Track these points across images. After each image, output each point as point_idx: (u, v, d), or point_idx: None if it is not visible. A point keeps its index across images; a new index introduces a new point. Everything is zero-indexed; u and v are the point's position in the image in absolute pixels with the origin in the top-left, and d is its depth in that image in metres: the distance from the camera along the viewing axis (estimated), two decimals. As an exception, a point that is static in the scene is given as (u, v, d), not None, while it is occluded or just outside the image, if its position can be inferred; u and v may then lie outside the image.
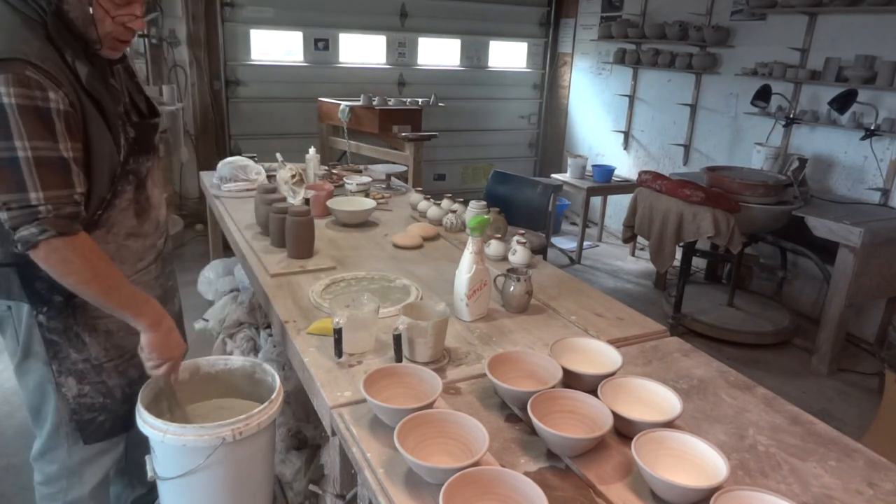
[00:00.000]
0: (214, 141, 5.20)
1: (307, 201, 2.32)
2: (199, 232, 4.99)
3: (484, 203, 2.41)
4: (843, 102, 3.55)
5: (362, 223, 2.51)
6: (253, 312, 2.70)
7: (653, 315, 1.89)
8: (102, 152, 1.39)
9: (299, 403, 2.16)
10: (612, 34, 5.43)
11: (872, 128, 3.58)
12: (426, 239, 2.33)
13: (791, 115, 4.06)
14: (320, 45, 5.42)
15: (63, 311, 1.45)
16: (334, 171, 3.27)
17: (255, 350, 2.56)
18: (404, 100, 5.33)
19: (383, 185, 3.14)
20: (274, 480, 1.78)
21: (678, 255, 3.84)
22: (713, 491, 0.96)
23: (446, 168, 6.26)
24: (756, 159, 4.08)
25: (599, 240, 5.68)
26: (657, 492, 1.03)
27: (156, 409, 1.50)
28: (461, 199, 2.58)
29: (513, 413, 1.29)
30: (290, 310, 1.71)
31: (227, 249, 3.00)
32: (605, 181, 5.08)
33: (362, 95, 4.98)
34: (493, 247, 2.15)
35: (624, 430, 1.19)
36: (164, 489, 1.51)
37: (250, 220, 2.41)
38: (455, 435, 1.13)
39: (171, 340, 1.47)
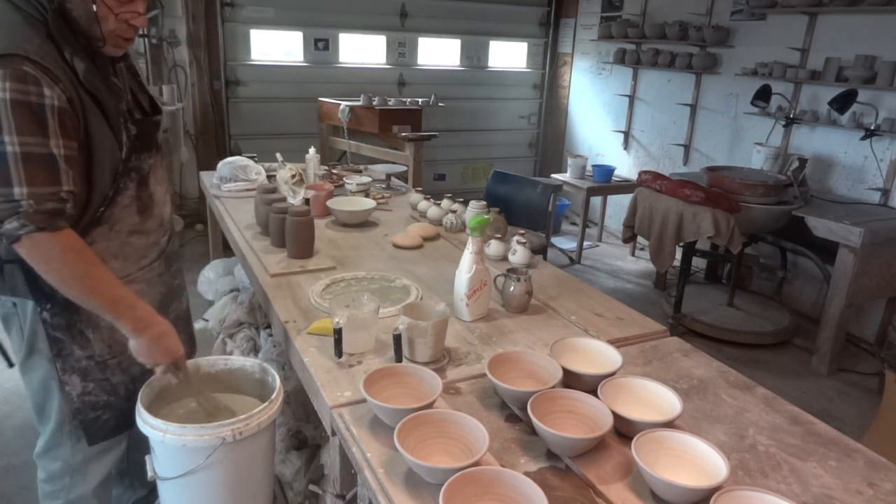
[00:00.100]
0: (214, 141, 5.20)
1: (307, 201, 2.32)
2: (199, 232, 4.99)
3: (484, 203, 2.41)
4: (843, 102, 3.55)
5: (362, 223, 2.51)
6: (253, 312, 2.70)
7: (653, 315, 1.89)
8: (104, 149, 1.39)
9: (299, 403, 2.16)
10: (612, 34, 5.43)
11: (872, 128, 3.58)
12: (426, 239, 2.33)
13: (791, 115, 4.06)
14: (320, 45, 5.42)
15: (67, 307, 1.45)
16: (334, 171, 3.27)
17: (255, 350, 2.56)
18: (404, 100, 5.33)
19: (383, 185, 3.14)
20: (274, 480, 1.78)
21: (678, 255, 3.84)
22: (713, 491, 0.96)
23: (446, 168, 6.26)
24: (756, 159, 4.08)
25: (599, 240, 5.68)
26: (657, 492, 1.03)
27: (156, 409, 1.50)
28: (461, 199, 2.58)
29: (513, 413, 1.29)
30: (290, 310, 1.71)
31: (227, 249, 3.00)
32: (605, 181, 5.08)
33: (362, 95, 4.98)
34: (493, 247, 2.15)
35: (624, 430, 1.18)
36: (164, 489, 1.51)
37: (250, 220, 2.41)
38: (455, 435, 1.13)
39: (157, 346, 1.42)
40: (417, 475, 1.06)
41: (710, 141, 4.88)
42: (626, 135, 5.65)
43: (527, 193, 3.69)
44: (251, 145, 5.08)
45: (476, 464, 1.02)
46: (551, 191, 3.68)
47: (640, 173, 3.92)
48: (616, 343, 1.53)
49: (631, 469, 1.11)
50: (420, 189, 2.80)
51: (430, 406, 1.19)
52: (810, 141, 4.10)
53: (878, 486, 1.12)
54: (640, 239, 4.15)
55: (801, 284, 4.19)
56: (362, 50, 5.63)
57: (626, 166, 5.62)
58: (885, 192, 3.63)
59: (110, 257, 1.50)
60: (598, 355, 1.40)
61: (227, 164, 2.94)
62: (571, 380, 1.30)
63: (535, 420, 1.12)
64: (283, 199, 2.26)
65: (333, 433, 1.31)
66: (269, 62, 5.35)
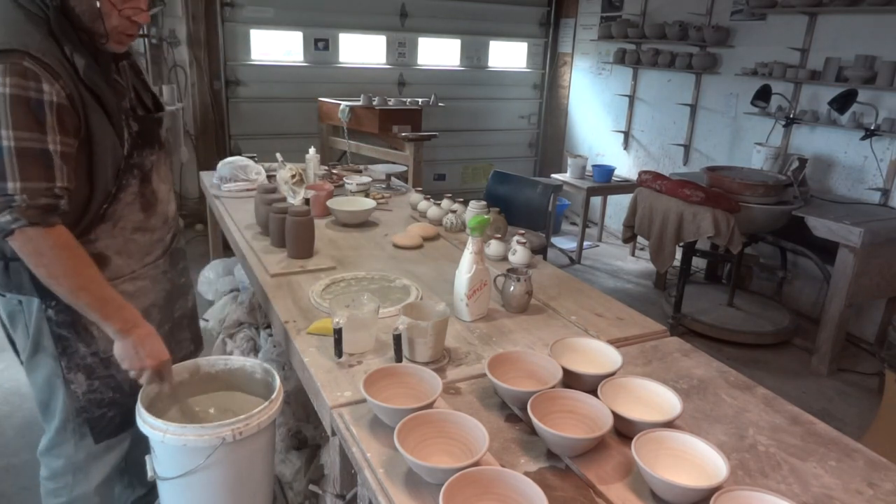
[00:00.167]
0: (214, 141, 5.20)
1: (307, 201, 2.32)
2: (199, 232, 4.99)
3: (484, 203, 2.41)
4: (843, 102, 3.55)
5: (362, 223, 2.51)
6: (253, 312, 2.70)
7: (653, 315, 1.89)
8: (105, 145, 1.40)
9: (299, 403, 2.16)
10: (612, 34, 5.43)
11: (872, 128, 3.58)
12: (426, 239, 2.33)
13: (791, 115, 4.06)
14: (320, 45, 5.42)
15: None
16: (334, 171, 3.27)
17: (255, 350, 2.56)
18: (404, 100, 5.33)
19: (383, 185, 3.14)
20: (274, 480, 1.78)
21: (678, 255, 3.84)
22: (713, 491, 0.96)
23: (446, 168, 6.26)
24: (756, 159, 4.08)
25: (599, 240, 5.68)
26: (657, 492, 1.03)
27: (156, 409, 1.50)
28: (461, 199, 2.58)
29: (513, 413, 1.29)
30: (290, 310, 1.71)
31: (227, 249, 3.00)
32: (605, 181, 5.08)
33: (362, 95, 4.98)
34: (493, 247, 2.15)
35: (624, 430, 1.18)
36: (163, 489, 1.51)
37: (250, 220, 2.41)
38: (455, 435, 1.13)
39: (141, 349, 1.41)
40: (417, 475, 1.06)
41: (710, 141, 4.88)
42: (626, 135, 5.65)
43: (527, 193, 3.69)
44: (251, 145, 5.08)
45: (476, 464, 1.02)
46: (551, 191, 3.68)
47: (640, 173, 3.92)
48: (616, 343, 1.53)
49: (631, 469, 1.11)
50: (420, 189, 2.80)
51: (430, 406, 1.19)
52: (810, 141, 4.10)
53: (878, 486, 1.12)
54: (640, 239, 4.15)
55: (801, 284, 4.19)
56: (362, 50, 5.63)
57: (626, 166, 5.62)
58: (885, 192, 3.63)
59: (114, 254, 1.51)
60: (598, 355, 1.40)
61: (227, 164, 2.94)
62: (571, 380, 1.30)
63: (535, 420, 1.12)
64: (283, 199, 2.26)
65: (333, 433, 1.31)
66: (269, 62, 5.35)
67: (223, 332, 2.69)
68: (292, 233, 2.05)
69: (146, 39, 4.73)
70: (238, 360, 1.69)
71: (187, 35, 4.90)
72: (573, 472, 1.12)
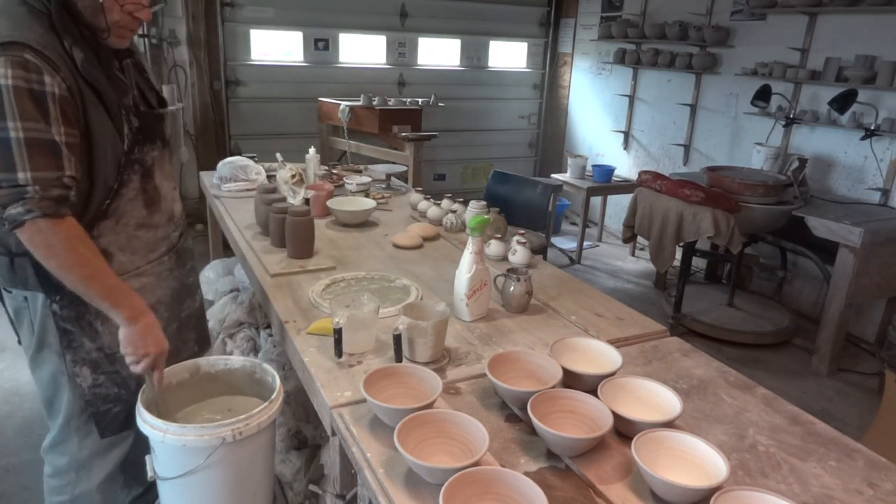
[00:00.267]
0: (214, 141, 5.20)
1: (307, 201, 2.32)
2: (199, 232, 4.99)
3: (484, 203, 2.42)
4: (843, 102, 3.55)
5: (362, 223, 2.51)
6: (253, 312, 2.70)
7: (653, 315, 1.89)
8: (104, 139, 1.41)
9: (299, 403, 2.16)
10: (612, 34, 5.43)
11: (872, 128, 3.58)
12: (426, 239, 2.33)
13: (791, 115, 4.06)
14: (320, 45, 5.42)
15: (76, 299, 1.45)
16: (334, 171, 3.27)
17: (255, 350, 2.56)
18: (404, 100, 5.33)
19: (383, 185, 3.14)
20: (274, 480, 1.78)
21: (678, 255, 3.84)
22: (713, 491, 0.96)
23: (446, 168, 6.26)
24: (756, 159, 4.08)
25: (599, 240, 5.68)
26: (657, 492, 1.03)
27: (168, 412, 1.51)
28: (461, 199, 2.59)
29: (513, 413, 1.29)
30: (290, 310, 1.71)
31: (227, 249, 3.00)
32: (605, 181, 5.08)
33: (362, 95, 4.98)
34: (493, 247, 2.15)
35: (624, 430, 1.19)
36: (164, 489, 1.51)
37: (250, 220, 2.41)
38: (455, 435, 1.13)
39: (147, 336, 1.44)
40: (417, 475, 1.06)
41: (710, 141, 4.88)
42: (626, 135, 5.65)
43: (527, 193, 3.69)
44: (251, 145, 5.08)
45: (476, 464, 1.02)
46: (551, 191, 3.68)
47: (640, 173, 3.92)
48: (616, 343, 1.53)
49: (631, 469, 1.11)
50: (420, 189, 2.80)
51: (430, 406, 1.19)
52: (810, 141, 4.10)
53: (878, 486, 1.12)
54: (640, 239, 4.15)
55: (801, 284, 4.19)
56: (362, 50, 5.63)
57: (626, 166, 5.62)
58: (885, 192, 3.63)
59: (117, 250, 1.52)
60: (598, 355, 1.40)
61: (227, 164, 2.94)
62: (571, 380, 1.30)
63: (535, 420, 1.12)
64: (283, 199, 2.26)
65: (333, 433, 1.31)
66: (269, 62, 5.35)
67: (223, 332, 2.69)
68: (292, 233, 2.05)
69: (146, 39, 4.73)
70: (238, 360, 1.69)
71: (187, 35, 4.90)
72: (573, 472, 1.12)
